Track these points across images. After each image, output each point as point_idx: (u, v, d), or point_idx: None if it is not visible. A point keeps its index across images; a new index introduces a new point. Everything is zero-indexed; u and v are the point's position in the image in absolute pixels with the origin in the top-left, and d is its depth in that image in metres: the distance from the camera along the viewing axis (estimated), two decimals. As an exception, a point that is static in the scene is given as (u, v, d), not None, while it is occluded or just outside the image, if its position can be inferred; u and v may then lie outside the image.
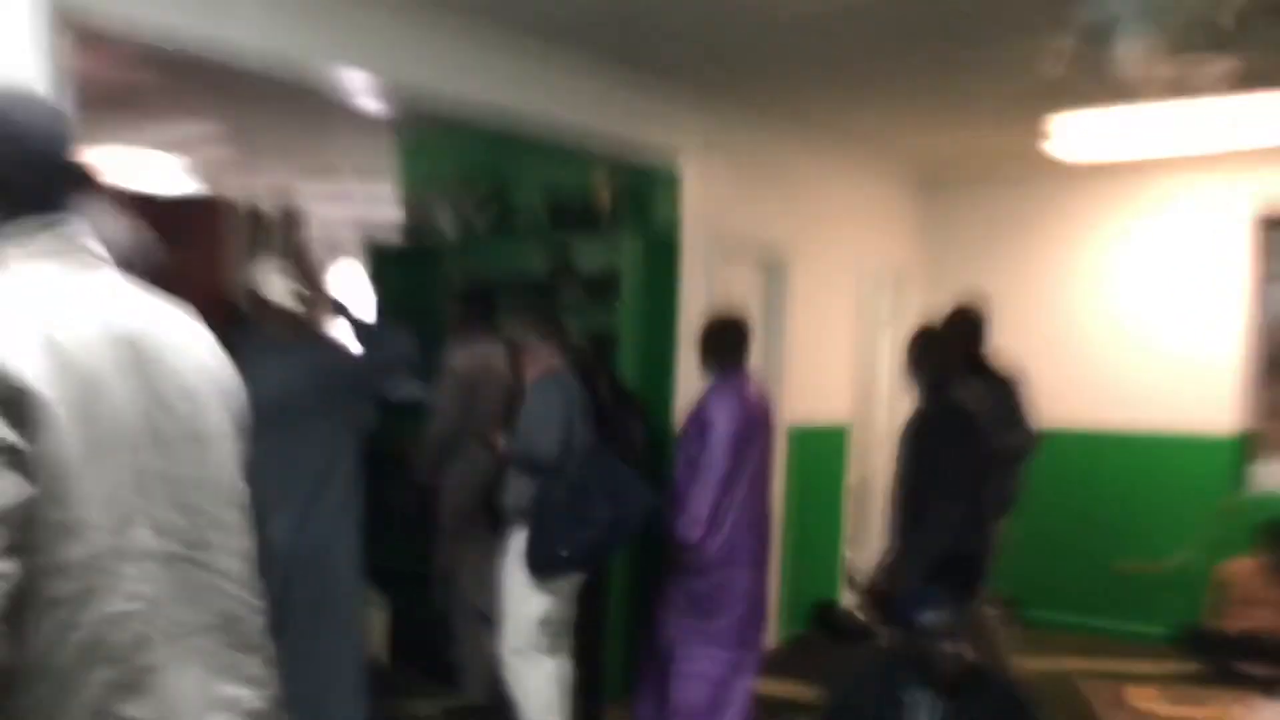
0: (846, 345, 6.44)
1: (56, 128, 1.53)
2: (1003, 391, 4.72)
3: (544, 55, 4.25)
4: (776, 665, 5.63)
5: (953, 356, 4.27)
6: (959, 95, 4.95)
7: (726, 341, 4.32)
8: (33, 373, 1.32)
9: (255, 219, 5.56)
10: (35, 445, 1.32)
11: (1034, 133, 5.40)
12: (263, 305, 3.64)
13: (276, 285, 3.63)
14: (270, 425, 2.76)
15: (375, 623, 4.91)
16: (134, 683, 1.40)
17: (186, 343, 1.58)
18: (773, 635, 5.94)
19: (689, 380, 5.10)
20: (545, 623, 3.99)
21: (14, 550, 1.29)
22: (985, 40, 4.05)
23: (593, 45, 4.26)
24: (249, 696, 1.57)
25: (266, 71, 3.41)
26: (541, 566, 3.89)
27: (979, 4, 3.67)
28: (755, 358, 5.75)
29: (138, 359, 1.47)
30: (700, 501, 4.16)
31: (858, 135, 5.98)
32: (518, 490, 4.00)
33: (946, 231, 7.04)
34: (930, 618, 3.10)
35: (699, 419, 4.24)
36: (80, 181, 1.56)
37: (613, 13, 3.88)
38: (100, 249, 1.55)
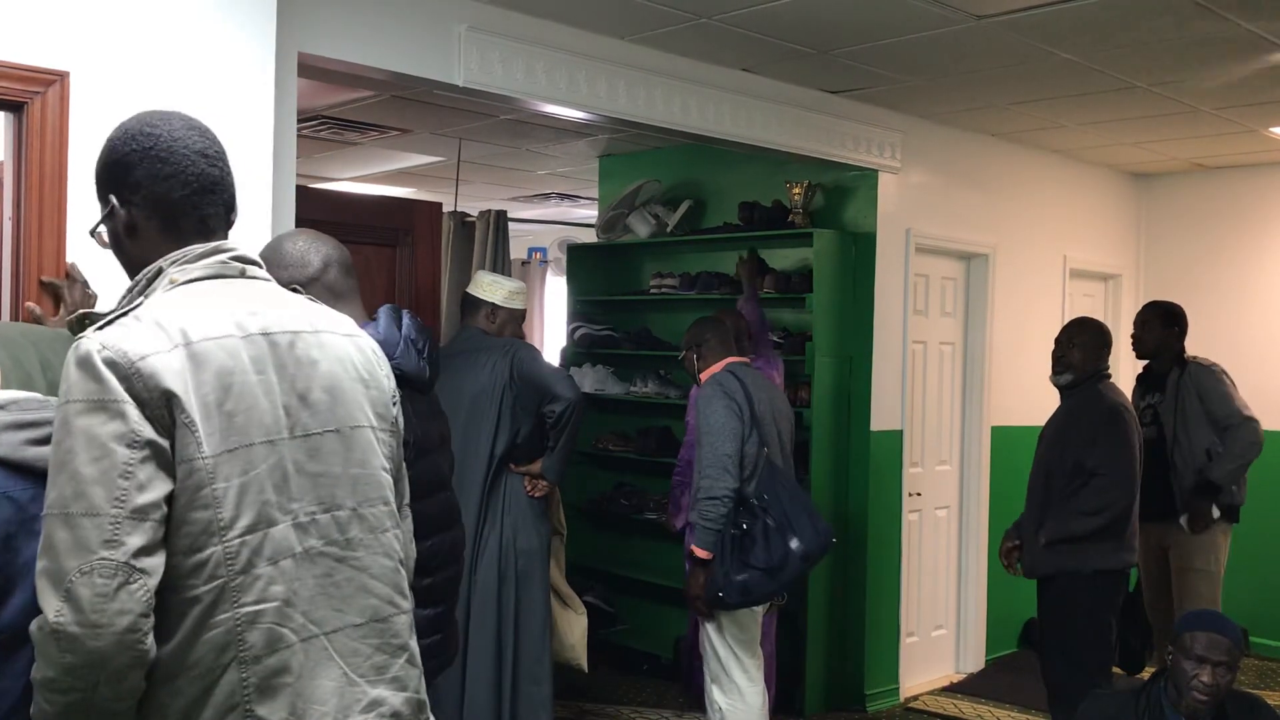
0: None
1: (213, 150, 1.56)
2: (1199, 390, 4.46)
3: (747, 86, 4.39)
4: (980, 686, 5.43)
5: (1100, 352, 3.96)
6: (1162, 98, 4.73)
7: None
8: (170, 373, 1.36)
9: (462, 225, 5.91)
10: (174, 442, 1.35)
11: (1259, 120, 5.09)
12: (472, 305, 3.90)
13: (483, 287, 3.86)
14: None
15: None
16: (266, 684, 1.39)
17: (331, 339, 1.56)
18: (979, 655, 5.77)
19: (883, 373, 5.06)
20: (734, 643, 3.78)
21: (156, 547, 1.32)
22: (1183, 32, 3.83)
23: (792, 72, 4.42)
24: (393, 698, 1.53)
25: (486, 105, 3.51)
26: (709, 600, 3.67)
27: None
28: (955, 358, 5.64)
29: (275, 355, 1.47)
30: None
31: (1060, 145, 5.82)
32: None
33: (1163, 226, 6.64)
34: (1202, 640, 2.85)
35: (693, 417, 4.10)
36: (234, 205, 1.59)
37: (811, 43, 4.02)
38: (259, 267, 1.58)
